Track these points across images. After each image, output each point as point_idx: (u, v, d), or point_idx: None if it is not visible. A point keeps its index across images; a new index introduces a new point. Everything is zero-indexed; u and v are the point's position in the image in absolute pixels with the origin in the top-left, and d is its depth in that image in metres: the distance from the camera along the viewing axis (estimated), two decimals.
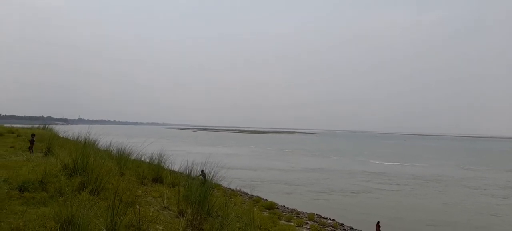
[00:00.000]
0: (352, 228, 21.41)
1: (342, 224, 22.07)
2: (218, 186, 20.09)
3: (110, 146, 15.21)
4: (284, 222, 16.65)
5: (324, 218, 23.42)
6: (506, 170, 63.20)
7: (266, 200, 25.58)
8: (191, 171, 9.71)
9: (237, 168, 51.65)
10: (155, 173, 10.07)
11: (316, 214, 23.78)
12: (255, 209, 18.17)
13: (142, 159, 12.64)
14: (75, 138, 14.68)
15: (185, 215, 6.13)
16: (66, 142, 13.30)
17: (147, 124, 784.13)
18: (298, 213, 23.22)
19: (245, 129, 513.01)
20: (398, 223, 25.10)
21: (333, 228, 19.33)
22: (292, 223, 16.99)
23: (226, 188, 25.07)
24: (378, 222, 22.36)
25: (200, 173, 13.29)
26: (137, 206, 5.34)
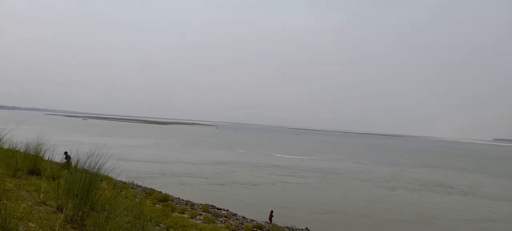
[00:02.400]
0: (244, 217, 22.20)
1: (235, 214, 22.73)
2: (107, 179, 18.91)
3: None
4: (177, 214, 16.44)
5: (218, 209, 23.82)
6: (389, 164, 72.42)
7: (161, 192, 24.96)
8: (76, 162, 9.00)
9: (137, 160, 49.52)
10: (31, 164, 9.05)
11: (211, 205, 24.06)
12: (148, 202, 17.59)
13: (17, 149, 11.25)
14: None
15: (64, 210, 5.63)
16: None
17: (27, 109, 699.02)
18: (192, 204, 23.19)
19: (142, 118, 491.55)
20: (290, 212, 26.83)
21: (226, 218, 19.77)
22: (185, 215, 16.87)
23: (117, 180, 23.73)
24: (272, 211, 23.65)
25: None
26: (5, 202, 4.73)
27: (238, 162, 57.18)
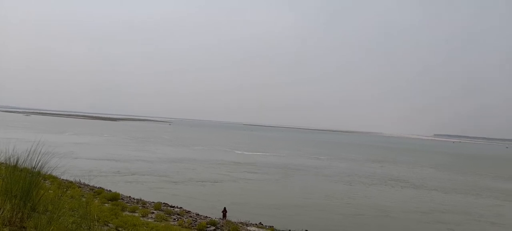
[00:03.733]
0: (198, 214, 22.05)
1: (188, 211, 22.51)
2: (52, 178, 17.97)
3: None
4: (128, 213, 15.95)
5: (171, 206, 23.45)
6: (345, 159, 75.10)
7: (110, 191, 24.08)
8: (16, 160, 8.47)
9: (89, 158, 47.48)
10: None
11: (163, 203, 23.63)
12: (96, 201, 16.92)
13: None
14: None
15: (1, 212, 5.31)
16: None
17: None
18: (144, 203, 22.63)
19: (90, 114, 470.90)
20: (247, 208, 27.10)
21: (179, 216, 19.53)
22: (136, 214, 16.42)
23: (62, 179, 22.65)
24: (225, 208, 23.69)
25: None
26: None
27: (199, 159, 56.62)
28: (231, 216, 22.50)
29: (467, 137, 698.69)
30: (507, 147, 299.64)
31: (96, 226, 7.08)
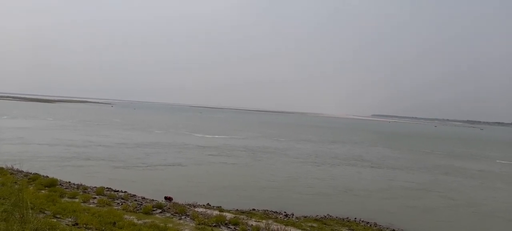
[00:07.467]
0: (144, 198, 21.51)
1: (134, 195, 21.87)
2: None
3: None
4: (67, 199, 15.13)
5: (115, 191, 22.59)
6: (304, 141, 76.33)
7: (47, 176, 22.66)
8: None
9: (32, 143, 44.05)
10: None
11: (107, 188, 22.72)
12: (31, 188, 15.85)
13: None
14: None
15: None
16: None
17: None
18: (85, 188, 21.60)
19: (23, 96, 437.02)
20: (202, 190, 26.82)
21: (123, 200, 18.92)
22: (77, 200, 15.63)
23: None
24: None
25: None
26: None
27: (161, 143, 54.51)
28: (181, 199, 22.11)
29: (398, 117, 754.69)
30: (435, 126, 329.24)
31: (30, 214, 6.63)
